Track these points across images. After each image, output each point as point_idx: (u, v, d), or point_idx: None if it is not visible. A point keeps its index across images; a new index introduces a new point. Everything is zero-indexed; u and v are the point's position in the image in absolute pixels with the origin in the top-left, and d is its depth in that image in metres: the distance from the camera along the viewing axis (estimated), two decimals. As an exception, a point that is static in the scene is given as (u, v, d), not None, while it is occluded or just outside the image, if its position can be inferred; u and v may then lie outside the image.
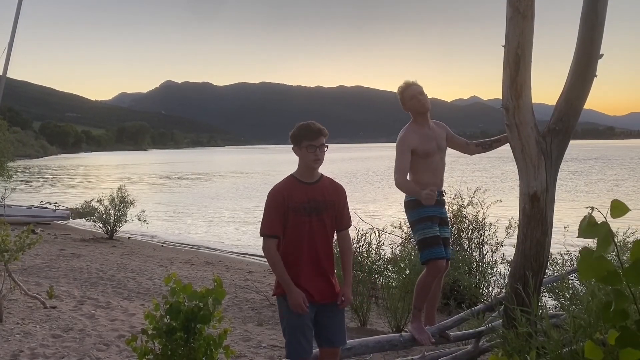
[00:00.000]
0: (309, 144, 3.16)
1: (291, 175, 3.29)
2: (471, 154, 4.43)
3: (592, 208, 1.70)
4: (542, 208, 3.64)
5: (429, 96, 4.25)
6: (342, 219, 3.35)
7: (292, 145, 3.26)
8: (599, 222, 1.68)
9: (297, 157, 3.26)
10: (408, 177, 4.15)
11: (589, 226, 1.69)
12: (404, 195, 4.20)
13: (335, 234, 3.38)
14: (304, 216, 3.18)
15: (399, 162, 4.09)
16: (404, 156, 4.09)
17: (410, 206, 4.14)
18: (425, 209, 4.06)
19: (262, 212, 3.26)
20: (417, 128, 4.15)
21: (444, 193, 4.25)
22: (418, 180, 4.16)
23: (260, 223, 3.23)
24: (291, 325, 3.17)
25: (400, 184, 4.04)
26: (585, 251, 1.69)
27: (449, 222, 4.46)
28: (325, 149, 3.22)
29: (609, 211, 1.67)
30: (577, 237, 1.72)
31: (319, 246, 3.22)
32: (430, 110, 4.19)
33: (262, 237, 3.23)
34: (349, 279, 3.36)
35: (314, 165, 3.20)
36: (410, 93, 4.14)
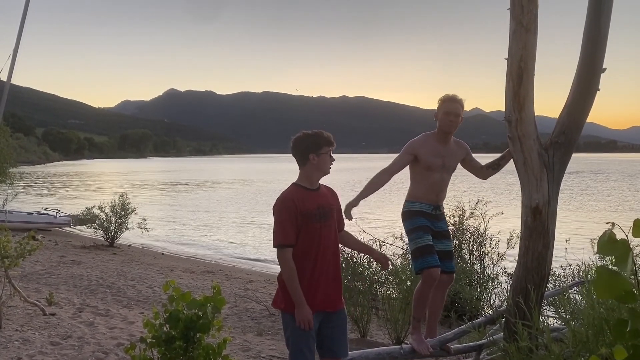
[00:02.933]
0: (329, 150, 3.25)
1: (294, 184, 3.30)
2: (485, 178, 4.45)
3: (613, 224, 1.67)
4: (544, 221, 3.63)
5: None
6: (340, 221, 3.47)
7: (300, 154, 3.25)
8: (618, 239, 1.65)
9: (304, 165, 3.26)
10: (409, 183, 4.23)
11: (608, 243, 1.66)
12: (404, 205, 4.24)
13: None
14: (316, 223, 3.20)
15: (395, 160, 4.17)
16: (402, 157, 4.17)
17: (405, 216, 4.19)
18: (418, 219, 4.10)
19: (274, 223, 3.22)
20: (432, 140, 4.19)
21: (441, 208, 4.27)
22: (413, 189, 4.23)
23: (273, 234, 3.19)
24: (295, 335, 3.16)
25: (376, 175, 4.10)
26: (601, 269, 1.66)
27: (450, 235, 4.46)
28: None
29: (631, 229, 1.64)
30: (596, 253, 1.70)
31: (329, 252, 3.26)
32: (456, 129, 4.20)
33: (276, 248, 3.19)
34: (371, 248, 3.58)
35: (329, 170, 3.29)
36: (447, 109, 4.11)
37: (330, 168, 3.28)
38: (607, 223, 1.69)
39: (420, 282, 4.12)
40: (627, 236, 1.65)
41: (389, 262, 3.46)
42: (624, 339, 1.68)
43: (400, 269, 6.17)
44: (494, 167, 4.32)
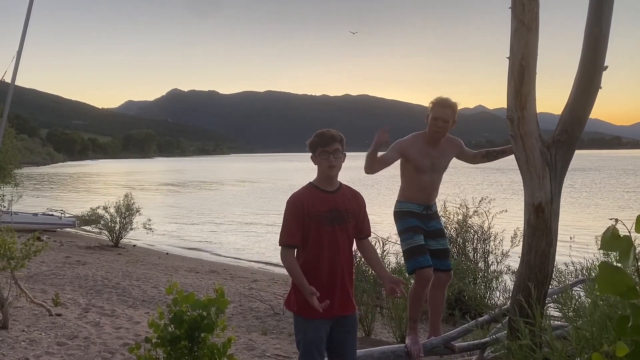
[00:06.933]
0: (322, 150, 3.14)
1: (310, 183, 3.24)
2: (475, 164, 4.44)
3: (616, 220, 1.68)
4: (547, 219, 3.64)
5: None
6: (363, 228, 3.30)
7: (310, 155, 3.23)
8: (622, 235, 1.66)
9: (315, 166, 3.23)
10: (400, 182, 4.20)
11: (612, 239, 1.66)
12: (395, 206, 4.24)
13: (354, 243, 3.33)
14: (327, 226, 3.13)
15: (386, 153, 4.06)
16: (391, 153, 4.07)
17: (396, 217, 4.18)
18: (409, 219, 4.09)
19: (282, 220, 3.19)
20: (422, 141, 4.14)
21: (432, 208, 4.23)
22: (403, 190, 4.22)
23: (280, 233, 3.16)
24: (307, 340, 3.14)
25: (369, 156, 3.91)
26: (604, 265, 1.67)
27: (445, 233, 4.40)
28: (342, 155, 3.18)
29: (634, 225, 1.65)
30: (599, 249, 1.70)
31: (342, 256, 3.18)
32: (446, 134, 4.11)
33: (280, 247, 3.17)
34: (386, 272, 3.39)
35: (329, 172, 3.15)
36: (436, 114, 4.03)
37: (328, 169, 3.14)
38: (611, 219, 1.70)
39: (414, 282, 4.14)
40: (629, 232, 1.66)
41: (397, 291, 3.21)
42: (626, 335, 1.69)
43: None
44: (490, 157, 4.28)
